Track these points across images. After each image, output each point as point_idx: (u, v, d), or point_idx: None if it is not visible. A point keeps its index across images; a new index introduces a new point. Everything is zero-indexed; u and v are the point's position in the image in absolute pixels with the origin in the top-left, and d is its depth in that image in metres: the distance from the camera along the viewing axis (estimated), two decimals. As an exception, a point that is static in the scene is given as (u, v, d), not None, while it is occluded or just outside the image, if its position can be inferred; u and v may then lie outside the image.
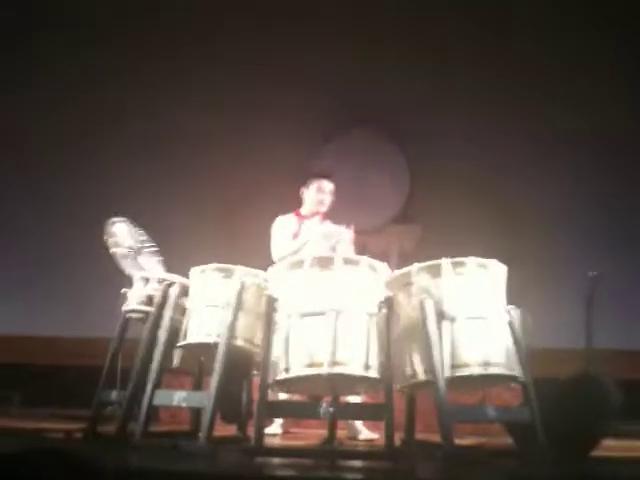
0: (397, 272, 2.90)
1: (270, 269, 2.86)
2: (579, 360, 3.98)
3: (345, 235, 3.95)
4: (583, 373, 3.16)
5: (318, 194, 4.02)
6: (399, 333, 2.82)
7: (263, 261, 2.91)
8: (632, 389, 3.13)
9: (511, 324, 2.82)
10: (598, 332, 4.06)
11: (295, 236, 3.95)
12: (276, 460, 2.54)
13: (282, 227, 3.99)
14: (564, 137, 5.85)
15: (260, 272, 3.07)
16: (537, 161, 5.86)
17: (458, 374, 2.65)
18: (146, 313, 3.27)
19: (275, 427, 3.85)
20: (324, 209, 4.05)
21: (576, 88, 5.77)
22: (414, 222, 5.72)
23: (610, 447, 3.20)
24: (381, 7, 6.07)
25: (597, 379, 3.00)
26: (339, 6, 6.08)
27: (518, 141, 5.91)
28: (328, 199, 4.04)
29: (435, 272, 2.78)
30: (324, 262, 2.75)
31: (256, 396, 2.62)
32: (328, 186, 4.05)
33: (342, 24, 6.09)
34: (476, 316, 2.73)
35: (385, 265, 2.85)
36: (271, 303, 2.71)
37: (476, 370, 2.65)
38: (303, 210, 4.09)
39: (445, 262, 2.78)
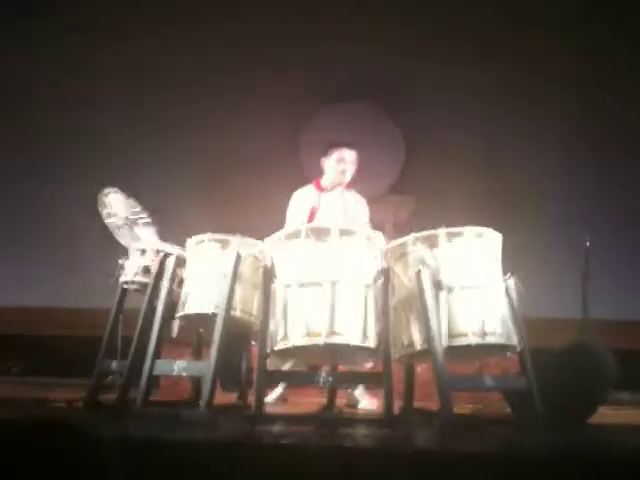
0: (393, 243, 2.90)
1: (267, 239, 2.85)
2: (575, 330, 4.03)
3: (364, 211, 3.86)
4: (579, 342, 3.19)
5: (339, 164, 3.77)
6: (396, 303, 2.83)
7: (264, 233, 2.90)
8: (626, 359, 3.16)
9: (507, 293, 2.83)
10: (593, 302, 4.09)
11: (315, 209, 3.75)
12: (276, 427, 2.57)
13: (299, 201, 3.81)
14: (559, 111, 5.82)
15: (257, 242, 3.06)
16: (532, 133, 5.85)
17: (456, 344, 2.67)
18: (144, 284, 3.27)
19: (274, 395, 3.88)
20: (347, 180, 3.79)
21: (572, 66, 5.74)
22: (408, 193, 5.71)
23: (605, 415, 3.25)
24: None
25: (593, 348, 3.03)
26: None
27: (513, 114, 5.88)
28: (351, 169, 3.77)
29: (431, 242, 2.78)
30: (320, 233, 2.75)
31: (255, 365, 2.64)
32: (350, 155, 3.79)
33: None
34: (473, 285, 2.74)
35: (380, 235, 2.84)
36: (268, 273, 2.71)
37: (473, 339, 2.66)
38: (324, 181, 3.88)
39: (442, 232, 2.78)
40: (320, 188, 3.86)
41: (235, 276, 2.88)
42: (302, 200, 3.82)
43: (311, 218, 3.77)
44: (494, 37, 5.86)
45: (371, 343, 2.65)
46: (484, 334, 2.69)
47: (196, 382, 3.30)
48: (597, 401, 2.94)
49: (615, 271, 5.29)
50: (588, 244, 4.13)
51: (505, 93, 5.87)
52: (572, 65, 5.77)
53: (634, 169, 5.78)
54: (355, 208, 3.88)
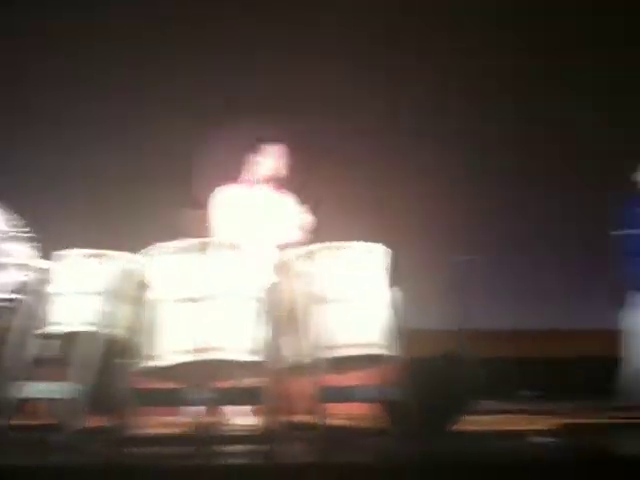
0: (278, 258, 2.93)
1: (143, 253, 2.77)
2: (450, 340, 4.21)
3: (291, 207, 3.89)
4: (446, 352, 3.32)
5: (278, 160, 3.82)
6: (279, 317, 2.83)
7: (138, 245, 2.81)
8: (494, 367, 3.32)
9: (392, 305, 2.90)
10: (470, 314, 4.30)
11: (245, 203, 3.72)
12: (146, 449, 2.48)
13: (229, 201, 3.73)
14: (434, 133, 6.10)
15: (131, 256, 2.96)
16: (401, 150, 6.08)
17: (335, 355, 2.71)
18: (8, 300, 3.07)
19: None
20: (282, 175, 3.83)
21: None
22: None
23: (472, 422, 3.39)
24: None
25: (459, 358, 3.17)
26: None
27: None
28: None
29: (311, 257, 2.82)
30: (203, 246, 2.72)
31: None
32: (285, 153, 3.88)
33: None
34: (352, 298, 2.80)
35: (270, 249, 2.85)
36: (143, 288, 2.63)
37: (352, 351, 2.73)
38: (256, 176, 3.82)
39: (321, 247, 2.83)
40: (250, 184, 3.81)
41: (106, 291, 2.76)
42: (231, 200, 3.74)
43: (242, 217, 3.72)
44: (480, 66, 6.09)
45: (252, 357, 2.64)
46: (363, 345, 2.75)
47: (63, 404, 3.11)
48: (460, 408, 3.07)
49: (488, 284, 5.58)
50: (465, 260, 4.34)
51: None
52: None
53: (505, 191, 6.16)
54: (286, 203, 3.91)
